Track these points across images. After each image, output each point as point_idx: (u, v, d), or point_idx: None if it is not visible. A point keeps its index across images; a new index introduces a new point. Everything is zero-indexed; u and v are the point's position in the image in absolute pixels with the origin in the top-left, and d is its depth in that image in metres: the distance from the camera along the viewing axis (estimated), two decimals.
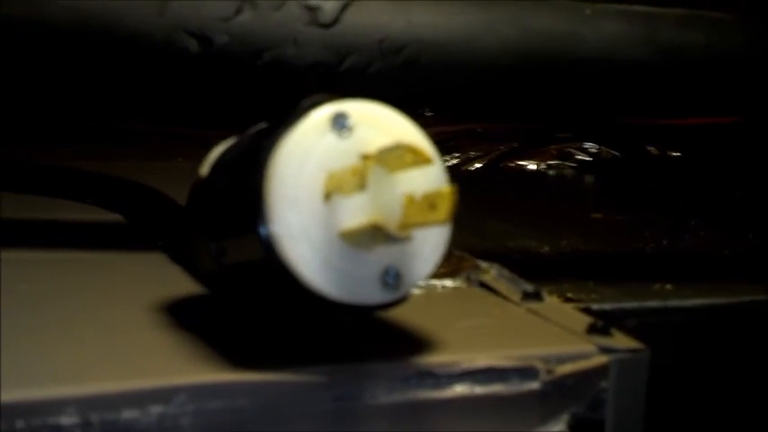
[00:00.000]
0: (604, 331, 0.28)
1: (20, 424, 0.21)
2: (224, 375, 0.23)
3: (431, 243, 0.26)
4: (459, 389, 0.25)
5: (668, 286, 0.42)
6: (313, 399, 0.24)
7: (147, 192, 0.41)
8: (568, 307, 0.33)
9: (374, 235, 0.25)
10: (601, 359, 0.27)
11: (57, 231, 0.42)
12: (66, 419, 0.22)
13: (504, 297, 0.33)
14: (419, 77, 0.38)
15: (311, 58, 0.37)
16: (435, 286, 0.35)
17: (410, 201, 0.25)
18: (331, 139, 0.26)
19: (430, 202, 0.25)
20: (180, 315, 0.29)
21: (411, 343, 0.27)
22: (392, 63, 0.37)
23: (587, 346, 0.27)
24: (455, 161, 0.86)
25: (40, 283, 0.32)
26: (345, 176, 0.25)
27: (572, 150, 0.86)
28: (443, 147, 0.87)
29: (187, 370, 0.24)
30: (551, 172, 0.84)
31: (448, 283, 0.36)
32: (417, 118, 0.41)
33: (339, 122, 0.26)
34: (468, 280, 0.36)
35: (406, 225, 0.25)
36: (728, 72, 0.40)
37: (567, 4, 0.40)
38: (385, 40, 0.37)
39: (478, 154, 0.86)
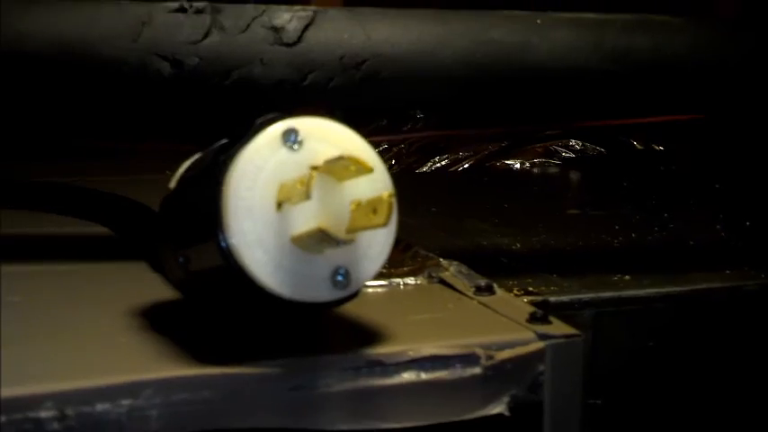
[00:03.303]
0: (543, 320, 0.30)
1: (3, 418, 0.24)
2: (188, 370, 0.26)
3: (378, 244, 0.29)
4: (407, 376, 0.28)
5: (627, 277, 0.45)
6: (271, 389, 0.26)
7: (130, 204, 0.44)
8: (516, 299, 0.36)
9: (322, 239, 0.27)
10: (538, 345, 0.29)
11: (46, 244, 0.45)
12: (45, 413, 0.24)
13: (460, 291, 0.36)
14: (379, 90, 0.40)
15: (277, 76, 0.40)
16: (398, 284, 0.38)
17: (357, 206, 0.28)
18: (283, 152, 0.28)
19: (372, 207, 0.27)
20: (153, 318, 0.31)
21: (364, 335, 0.30)
22: (353, 78, 0.40)
23: (526, 333, 0.30)
24: (444, 162, 0.88)
25: (29, 294, 0.35)
26: (294, 187, 0.27)
27: (557, 148, 0.88)
28: (434, 148, 0.90)
29: (154, 366, 0.26)
30: (536, 170, 0.87)
31: (410, 280, 0.38)
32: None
33: (290, 138, 0.28)
34: (430, 277, 0.38)
35: (353, 229, 0.28)
36: (677, 73, 0.42)
37: (518, 15, 0.42)
38: (345, 56, 0.40)
39: (467, 154, 0.88)
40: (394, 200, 0.27)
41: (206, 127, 0.41)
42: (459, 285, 0.36)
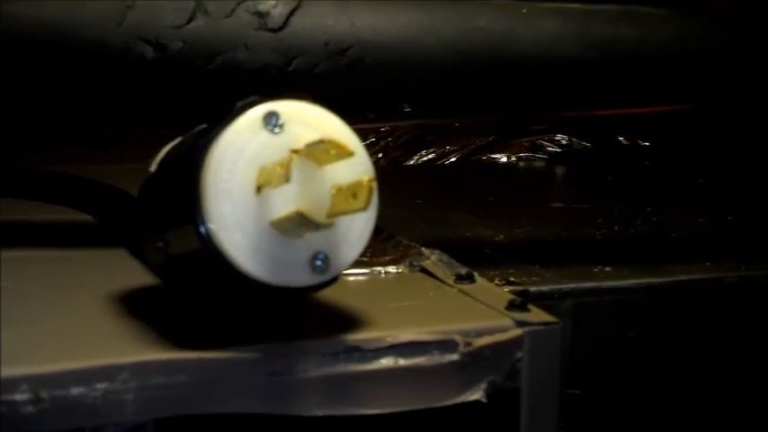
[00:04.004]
0: (522, 307, 0.31)
1: None
2: (164, 354, 0.26)
3: (357, 229, 0.28)
4: (385, 362, 0.28)
5: (608, 268, 0.45)
6: (248, 374, 0.26)
7: (110, 190, 0.43)
8: (496, 287, 0.36)
9: (302, 223, 0.27)
10: (516, 332, 0.29)
11: (26, 231, 0.45)
12: (20, 396, 0.24)
13: (440, 280, 0.35)
14: (364, 77, 0.40)
15: (261, 61, 0.40)
16: (380, 272, 0.38)
17: (338, 191, 0.28)
18: (263, 136, 0.28)
19: (353, 191, 0.27)
20: (131, 303, 0.31)
21: (343, 321, 0.29)
22: (337, 64, 0.40)
23: (505, 320, 0.30)
24: (432, 155, 0.88)
25: (6, 280, 0.35)
26: (274, 170, 0.27)
27: (543, 142, 0.88)
28: (421, 142, 0.90)
29: (131, 350, 0.26)
30: (522, 164, 0.87)
31: (392, 269, 0.38)
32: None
33: (271, 121, 0.28)
34: (411, 266, 0.38)
35: (332, 213, 0.28)
36: (661, 64, 0.42)
37: (504, 4, 0.42)
38: (330, 43, 0.40)
39: (454, 148, 0.88)
40: (374, 184, 0.27)
41: (189, 112, 0.40)
42: (439, 274, 0.36)
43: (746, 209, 0.61)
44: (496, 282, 0.41)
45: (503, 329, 0.29)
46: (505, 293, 0.34)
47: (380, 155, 0.84)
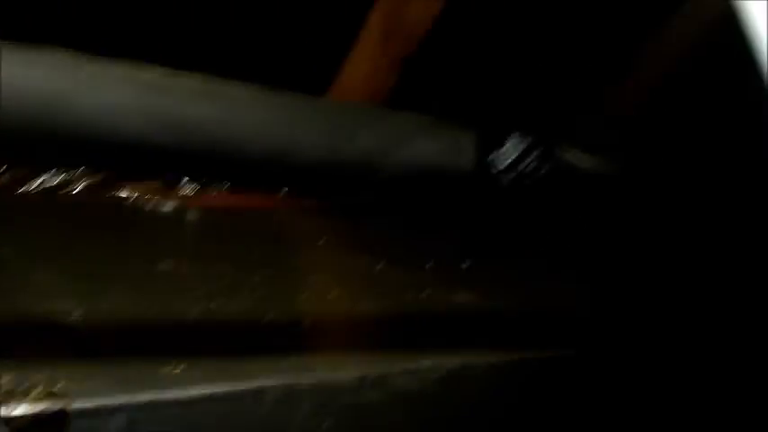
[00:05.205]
0: None
1: None
2: None
3: None
4: None
5: (179, 369, 0.39)
6: None
7: None
8: None
9: None
10: None
11: None
12: None
13: None
14: None
15: None
16: None
17: None
18: None
19: None
20: None
21: None
22: None
23: None
24: (56, 181, 0.77)
25: None
26: None
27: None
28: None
29: None
30: (148, 206, 0.78)
31: None
32: None
33: None
34: None
35: None
36: (243, 152, 0.38)
37: (64, 58, 0.35)
38: None
39: (83, 175, 0.77)
40: None
41: None
42: None
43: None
44: (35, 394, 0.34)
45: None
46: None
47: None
